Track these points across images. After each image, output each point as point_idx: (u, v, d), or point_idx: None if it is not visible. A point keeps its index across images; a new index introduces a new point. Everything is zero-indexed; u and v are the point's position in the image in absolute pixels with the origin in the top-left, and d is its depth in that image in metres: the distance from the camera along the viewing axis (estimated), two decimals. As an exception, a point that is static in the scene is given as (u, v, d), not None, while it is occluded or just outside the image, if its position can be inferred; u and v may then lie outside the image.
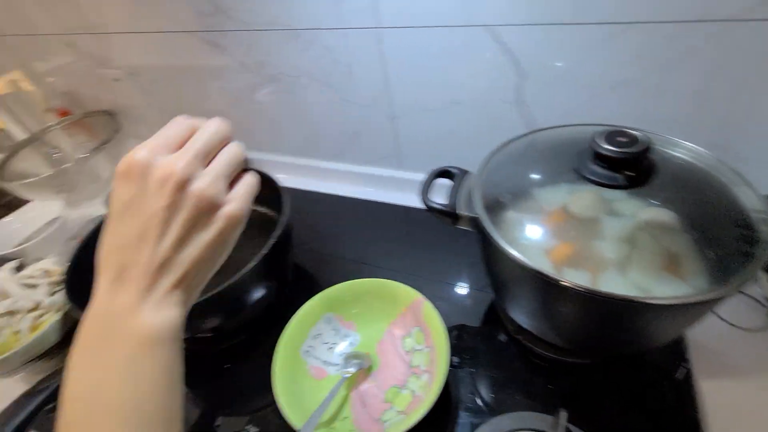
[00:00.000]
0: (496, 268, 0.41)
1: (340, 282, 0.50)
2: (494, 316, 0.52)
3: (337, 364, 0.47)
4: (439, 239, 0.64)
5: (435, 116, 0.64)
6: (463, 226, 0.42)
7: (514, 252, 0.34)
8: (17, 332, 0.50)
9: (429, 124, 0.65)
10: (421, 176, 0.71)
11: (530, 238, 0.37)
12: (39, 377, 0.55)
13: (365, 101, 0.68)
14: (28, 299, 0.52)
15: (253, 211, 0.64)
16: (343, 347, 0.49)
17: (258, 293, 0.51)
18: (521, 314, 0.42)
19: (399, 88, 0.63)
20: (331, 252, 0.67)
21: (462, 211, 0.41)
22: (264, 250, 0.46)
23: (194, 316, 0.44)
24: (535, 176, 0.43)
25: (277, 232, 0.49)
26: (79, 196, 0.86)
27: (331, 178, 0.81)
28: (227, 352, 0.53)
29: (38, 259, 0.63)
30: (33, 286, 0.54)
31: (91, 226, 0.72)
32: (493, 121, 0.61)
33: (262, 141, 0.85)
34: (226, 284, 0.43)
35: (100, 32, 0.80)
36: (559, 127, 0.48)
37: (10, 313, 0.51)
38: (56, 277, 0.56)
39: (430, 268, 0.59)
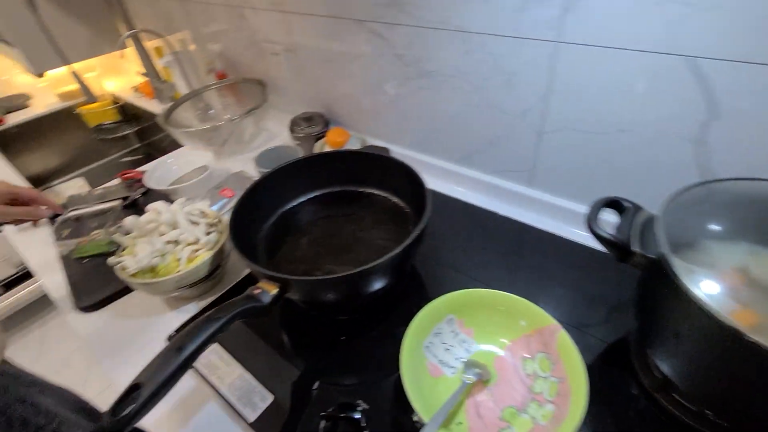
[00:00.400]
0: (666, 315, 0.38)
1: (448, 286, 0.50)
2: (622, 363, 0.48)
3: (452, 367, 0.48)
4: (559, 267, 0.61)
5: (591, 140, 0.61)
6: (630, 263, 0.40)
7: (707, 302, 0.31)
8: (178, 260, 0.57)
9: (580, 148, 0.62)
10: (550, 198, 0.70)
11: (706, 294, 0.33)
12: (184, 303, 0.63)
13: (514, 111, 0.66)
14: (191, 233, 0.59)
15: (387, 198, 0.67)
16: (459, 351, 0.49)
17: (385, 280, 0.53)
18: (681, 371, 0.39)
19: (558, 105, 0.61)
20: (442, 255, 0.67)
21: (636, 248, 0.38)
22: (408, 241, 0.48)
23: (330, 288, 0.48)
24: (713, 227, 0.39)
25: (420, 226, 0.50)
26: (225, 151, 0.97)
27: (451, 180, 0.81)
28: (343, 326, 0.56)
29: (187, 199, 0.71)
30: (195, 223, 0.61)
31: (247, 183, 0.80)
32: (659, 156, 0.56)
33: (387, 131, 0.88)
34: (373, 263, 0.45)
35: (274, 9, 0.89)
36: (748, 179, 0.43)
37: (175, 242, 0.59)
38: (210, 219, 0.64)
39: (549, 294, 0.57)
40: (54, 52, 1.19)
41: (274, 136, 1.07)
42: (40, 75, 1.29)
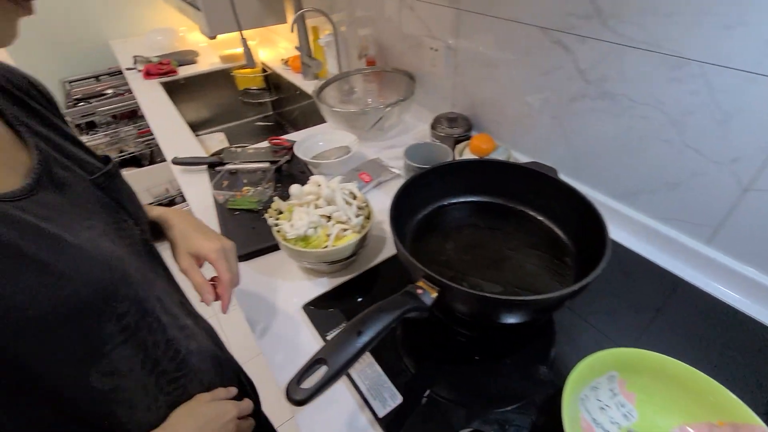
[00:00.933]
0: None
1: (583, 336, 0.44)
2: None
3: (606, 431, 0.42)
4: (738, 347, 0.51)
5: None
6: None
7: None
8: (328, 235, 0.59)
9: (803, 217, 0.52)
10: (734, 263, 0.60)
11: None
12: (318, 276, 0.65)
13: (718, 157, 0.57)
14: (344, 213, 0.61)
15: (543, 223, 0.62)
16: (615, 415, 0.43)
17: (540, 313, 0.49)
18: None
19: (788, 161, 0.51)
20: (583, 299, 0.60)
21: None
22: (583, 282, 0.43)
23: (495, 307, 0.45)
24: None
25: (597, 272, 0.44)
26: (365, 136, 0.99)
27: (611, 217, 0.73)
28: (471, 343, 0.53)
29: (325, 175, 0.73)
30: (348, 204, 0.62)
31: (382, 171, 0.81)
32: None
33: (534, 145, 0.83)
34: (553, 295, 0.41)
35: (449, 5, 0.88)
36: None
37: (328, 217, 0.61)
38: (359, 203, 0.65)
39: (724, 378, 0.48)
40: (231, 19, 1.32)
41: (410, 129, 1.08)
42: (213, 37, 1.45)
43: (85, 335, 0.31)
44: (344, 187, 0.65)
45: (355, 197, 0.65)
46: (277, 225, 0.61)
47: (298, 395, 0.31)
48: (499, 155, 0.82)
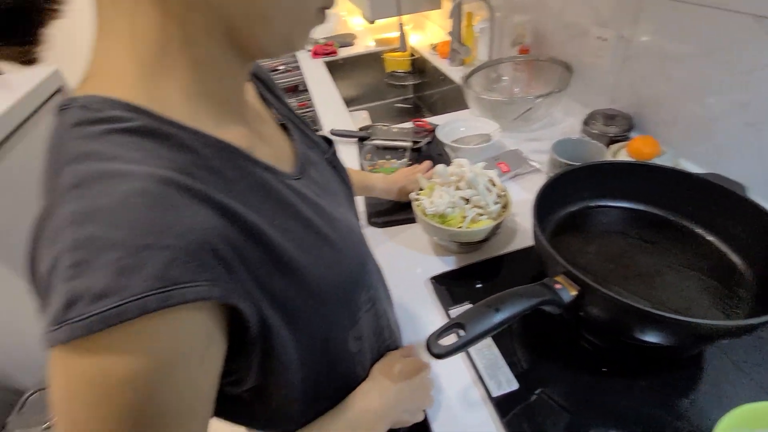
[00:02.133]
0: None
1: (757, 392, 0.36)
2: None
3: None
4: None
5: None
6: None
7: None
8: (464, 217, 0.61)
9: None
10: None
11: None
12: (446, 254, 0.68)
13: None
14: (483, 198, 0.62)
15: (714, 245, 0.54)
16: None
17: (689, 342, 0.44)
18: None
19: None
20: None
21: None
22: (763, 319, 0.37)
23: (640, 322, 0.42)
24: None
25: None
26: (508, 126, 0.97)
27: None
28: (606, 356, 0.50)
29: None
30: (488, 190, 0.64)
31: (521, 163, 0.79)
32: None
33: (710, 155, 0.70)
34: (709, 322, 0.37)
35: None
36: None
37: (466, 200, 0.63)
38: (498, 191, 0.65)
39: None
40: (392, 4, 1.41)
41: (556, 123, 1.02)
42: (372, 21, 1.56)
43: (347, 302, 0.34)
44: (486, 173, 0.66)
45: (494, 185, 0.66)
46: (417, 200, 0.66)
47: (436, 349, 0.35)
48: (663, 161, 0.73)
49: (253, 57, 0.29)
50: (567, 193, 0.60)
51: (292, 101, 1.94)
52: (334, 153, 0.44)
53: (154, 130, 0.23)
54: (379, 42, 1.72)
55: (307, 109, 1.97)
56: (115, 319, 0.19)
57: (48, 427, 1.16)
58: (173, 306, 0.20)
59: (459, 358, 0.52)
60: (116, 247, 0.19)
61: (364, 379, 0.40)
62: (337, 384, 0.38)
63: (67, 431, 0.20)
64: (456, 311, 0.57)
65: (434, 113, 1.59)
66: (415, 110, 1.79)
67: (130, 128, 0.22)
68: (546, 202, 0.55)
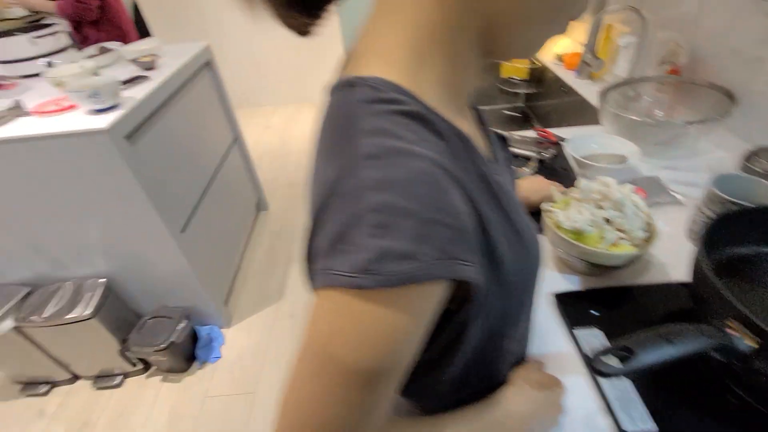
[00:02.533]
0: None
1: None
2: None
3: None
4: None
5: None
6: None
7: None
8: (602, 238, 0.58)
9: None
10: None
11: None
12: (570, 272, 0.65)
13: None
14: (629, 222, 0.59)
15: None
16: None
17: None
18: None
19: None
20: None
21: None
22: None
23: None
24: None
25: None
26: (645, 150, 0.90)
27: None
28: (761, 419, 0.45)
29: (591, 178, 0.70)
30: (636, 215, 0.60)
31: (660, 192, 0.73)
32: None
33: None
34: None
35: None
36: None
37: (609, 221, 0.60)
38: (645, 218, 0.61)
39: None
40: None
41: (701, 154, 0.92)
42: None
43: (521, 301, 0.35)
44: (634, 197, 0.62)
45: (641, 211, 0.62)
46: (550, 211, 0.64)
47: (603, 368, 0.34)
48: None
49: (492, 56, 0.31)
50: (735, 233, 0.54)
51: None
52: (509, 150, 0.44)
53: (422, 115, 0.25)
54: (500, 46, 1.69)
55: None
56: (409, 279, 0.21)
57: (159, 349, 1.33)
58: (443, 278, 0.22)
59: (585, 384, 0.50)
60: (411, 216, 0.21)
61: (503, 377, 0.41)
62: (482, 375, 0.38)
63: (320, 362, 0.23)
64: (582, 333, 0.55)
65: (545, 124, 1.53)
66: (524, 119, 1.73)
67: (406, 111, 0.25)
68: (713, 238, 0.50)
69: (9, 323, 1.23)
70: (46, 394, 1.44)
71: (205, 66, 1.68)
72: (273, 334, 1.59)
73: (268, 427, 1.30)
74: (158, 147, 1.27)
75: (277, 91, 3.49)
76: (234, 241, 1.86)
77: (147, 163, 1.18)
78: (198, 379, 1.45)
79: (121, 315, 1.40)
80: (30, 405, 1.42)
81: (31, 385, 1.46)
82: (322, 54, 3.29)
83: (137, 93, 1.19)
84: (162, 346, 1.33)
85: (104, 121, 1.04)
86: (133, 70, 1.37)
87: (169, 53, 1.54)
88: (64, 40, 1.47)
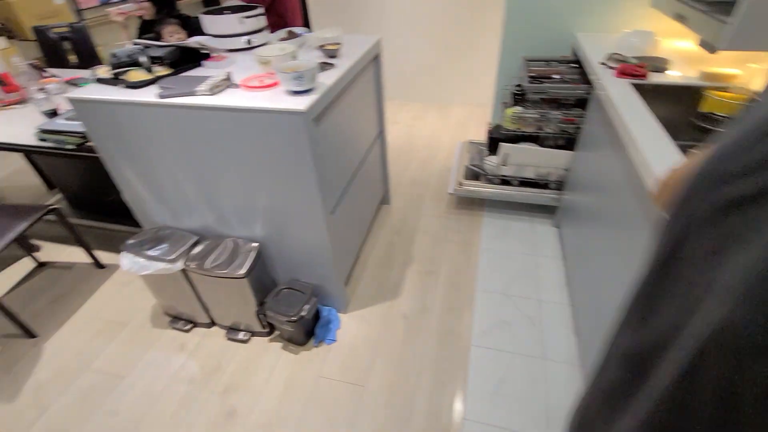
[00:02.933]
0: None
1: None
2: None
3: None
4: None
5: None
6: None
7: None
8: None
9: None
10: None
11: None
12: None
13: None
14: None
15: None
16: None
17: None
18: None
19: None
20: None
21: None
22: None
23: None
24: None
25: None
26: None
27: None
28: None
29: None
30: None
31: None
32: None
33: None
34: None
35: None
36: None
37: None
38: None
39: None
40: (765, 35, 1.14)
41: None
42: (714, 51, 1.31)
43: None
44: None
45: None
46: None
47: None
48: None
49: None
50: None
51: (557, 113, 1.84)
52: None
53: None
54: (708, 76, 1.45)
55: (571, 125, 1.84)
56: None
57: (289, 320, 1.41)
58: None
59: None
60: None
61: None
62: None
63: None
64: None
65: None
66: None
67: None
68: None
69: (179, 265, 1.40)
70: (188, 331, 1.63)
71: (374, 59, 1.73)
72: (386, 331, 1.59)
73: (374, 424, 1.29)
74: (331, 131, 1.32)
75: (408, 87, 3.53)
76: (360, 230, 1.90)
77: (321, 145, 1.23)
78: (313, 356, 1.51)
79: (262, 279, 1.51)
80: (175, 337, 1.61)
81: (177, 320, 1.65)
82: (462, 58, 3.23)
83: (326, 79, 1.25)
84: (293, 318, 1.40)
85: (303, 102, 1.10)
86: (319, 56, 1.45)
87: (347, 43, 1.61)
88: (262, 22, 1.61)
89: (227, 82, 1.23)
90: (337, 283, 1.56)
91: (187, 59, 1.41)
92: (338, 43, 1.46)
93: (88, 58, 2.64)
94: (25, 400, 1.42)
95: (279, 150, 1.17)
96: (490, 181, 2.11)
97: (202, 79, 1.24)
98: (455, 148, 2.74)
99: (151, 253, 1.41)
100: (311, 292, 1.49)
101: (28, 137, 1.60)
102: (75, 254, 2.05)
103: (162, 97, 1.17)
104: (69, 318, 1.71)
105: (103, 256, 2.01)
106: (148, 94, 1.21)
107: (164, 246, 1.44)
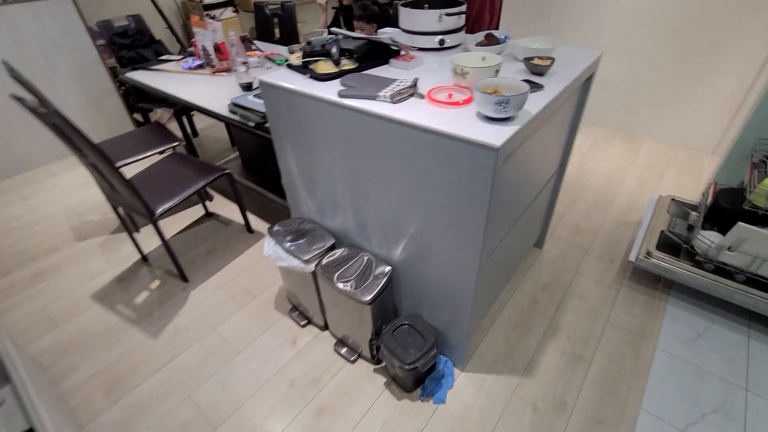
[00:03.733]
0: None
1: None
2: None
3: None
4: None
5: None
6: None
7: None
8: None
9: None
10: None
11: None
12: None
13: None
14: None
15: None
16: None
17: None
18: None
19: None
20: None
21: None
22: None
23: None
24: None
25: None
26: None
27: None
28: None
29: None
30: None
31: None
32: None
33: None
34: None
35: None
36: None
37: None
38: None
39: None
40: None
41: None
42: None
43: None
44: None
45: None
46: None
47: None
48: None
49: None
50: None
51: None
52: None
53: None
54: None
55: None
56: None
57: (402, 368, 1.22)
58: None
59: None
60: None
61: None
62: None
63: None
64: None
65: None
66: None
67: None
68: None
69: (311, 267, 1.34)
70: (303, 326, 1.61)
71: (585, 81, 1.37)
72: (506, 417, 1.29)
73: None
74: (515, 169, 1.06)
75: (592, 105, 2.95)
76: (505, 276, 1.61)
77: (502, 185, 0.98)
78: (417, 409, 1.32)
79: (385, 304, 1.36)
80: (290, 328, 1.61)
81: (295, 310, 1.65)
82: (680, 80, 2.52)
83: (531, 106, 0.98)
84: (407, 367, 1.21)
85: (499, 135, 0.86)
86: (522, 71, 1.18)
87: (560, 56, 1.29)
88: (461, 21, 1.41)
89: (412, 90, 1.06)
90: (463, 334, 1.32)
91: (375, 55, 1.30)
92: (551, 59, 1.16)
93: (290, 35, 2.86)
94: (163, 341, 1.59)
95: (452, 180, 0.97)
96: (699, 263, 1.56)
97: (387, 82, 1.10)
98: (647, 203, 2.16)
99: (289, 245, 1.38)
100: (434, 342, 1.28)
101: (223, 106, 1.74)
102: (235, 213, 2.26)
103: (341, 95, 1.07)
104: (214, 273, 1.88)
105: (255, 222, 2.16)
106: (330, 89, 1.13)
107: (302, 241, 1.40)
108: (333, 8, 2.69)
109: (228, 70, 2.13)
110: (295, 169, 1.43)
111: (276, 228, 1.46)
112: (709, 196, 1.64)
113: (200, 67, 2.16)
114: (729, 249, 1.44)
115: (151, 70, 2.15)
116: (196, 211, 2.29)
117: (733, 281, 1.48)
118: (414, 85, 1.07)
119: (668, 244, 1.68)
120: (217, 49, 2.12)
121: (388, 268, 1.30)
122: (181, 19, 4.00)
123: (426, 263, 1.22)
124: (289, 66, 1.31)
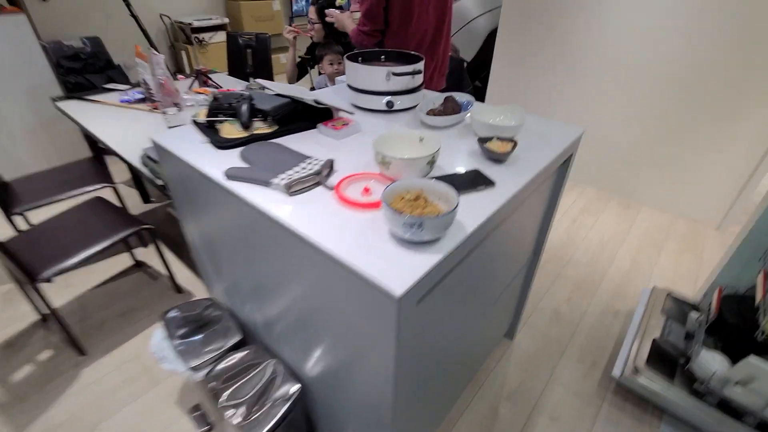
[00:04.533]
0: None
1: None
2: None
3: None
4: None
5: None
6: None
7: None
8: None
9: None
10: None
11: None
12: None
13: None
14: None
15: None
16: None
17: None
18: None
19: None
20: None
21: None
22: None
23: None
24: None
25: None
26: None
27: None
28: None
29: None
30: None
31: None
32: None
33: None
34: None
35: None
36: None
37: None
38: None
39: None
40: None
41: None
42: None
43: None
44: None
45: None
46: None
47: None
48: None
49: None
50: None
51: None
52: None
53: None
54: None
55: None
56: None
57: None
58: None
59: None
60: None
61: None
62: None
63: None
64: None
65: None
66: None
67: None
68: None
69: (200, 376, 1.05)
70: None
71: (562, 164, 1.11)
72: None
73: None
74: (440, 310, 0.78)
75: (583, 163, 2.70)
76: (460, 381, 1.30)
77: (422, 326, 0.70)
78: None
79: (294, 424, 1.06)
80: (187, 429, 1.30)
81: (198, 412, 1.34)
82: (685, 143, 2.28)
83: (468, 219, 0.71)
84: None
85: (404, 278, 0.58)
86: (477, 155, 0.92)
87: (528, 132, 1.03)
88: (418, 80, 1.17)
89: (317, 178, 0.80)
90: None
91: (301, 116, 1.05)
92: (513, 142, 0.91)
93: (262, 67, 2.67)
94: (27, 437, 1.27)
95: (353, 311, 0.69)
96: (696, 392, 1.25)
97: (297, 159, 0.85)
98: (640, 293, 1.87)
99: (180, 342, 1.09)
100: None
101: (136, 154, 1.49)
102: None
103: (228, 176, 0.81)
104: (119, 345, 1.57)
105: (188, 279, 1.88)
106: (226, 161, 0.87)
107: (200, 337, 1.11)
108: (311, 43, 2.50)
109: (171, 106, 1.89)
110: (198, 243, 1.16)
111: (172, 314, 1.18)
112: (712, 305, 1.35)
113: (142, 101, 1.93)
114: (737, 384, 1.14)
115: (86, 99, 1.92)
116: (125, 259, 2.01)
117: (741, 423, 1.17)
118: (325, 170, 0.81)
119: (661, 357, 1.38)
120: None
121: (295, 387, 1.01)
122: (168, 40, 3.85)
123: (342, 384, 0.93)
124: (195, 122, 1.06)
